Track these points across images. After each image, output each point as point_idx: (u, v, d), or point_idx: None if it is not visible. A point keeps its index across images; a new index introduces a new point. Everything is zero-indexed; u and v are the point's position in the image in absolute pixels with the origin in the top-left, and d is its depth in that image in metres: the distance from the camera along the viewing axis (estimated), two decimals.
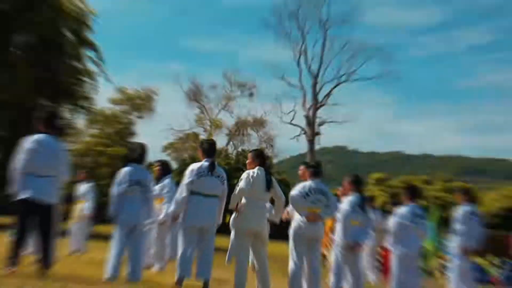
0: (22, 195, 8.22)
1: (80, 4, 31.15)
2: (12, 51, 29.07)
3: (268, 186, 9.33)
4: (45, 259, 8.39)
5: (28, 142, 8.35)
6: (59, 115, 9.21)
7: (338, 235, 10.01)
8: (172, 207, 9.35)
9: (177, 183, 9.88)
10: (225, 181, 9.47)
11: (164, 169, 12.67)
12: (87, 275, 9.21)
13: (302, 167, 10.60)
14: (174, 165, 57.70)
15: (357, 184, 10.27)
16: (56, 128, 8.90)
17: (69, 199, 17.26)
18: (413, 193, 10.97)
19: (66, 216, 18.39)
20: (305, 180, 9.85)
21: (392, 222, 10.65)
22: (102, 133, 54.39)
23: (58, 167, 8.59)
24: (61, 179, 8.78)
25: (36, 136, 8.41)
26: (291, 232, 9.64)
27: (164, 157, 64.83)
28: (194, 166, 9.37)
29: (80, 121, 37.57)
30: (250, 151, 10.16)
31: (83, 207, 15.84)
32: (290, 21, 58.23)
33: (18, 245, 8.27)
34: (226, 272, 10.84)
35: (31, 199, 8.21)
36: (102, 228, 24.30)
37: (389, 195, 49.81)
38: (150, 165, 10.20)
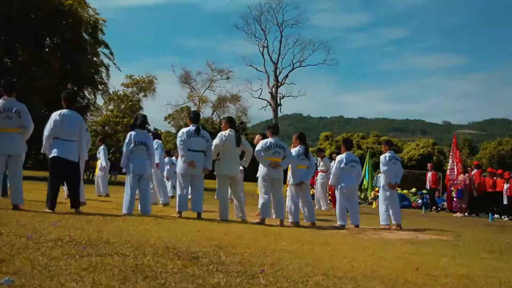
0: (52, 154, 8.25)
1: (95, 15, 32.33)
2: (46, 51, 29.22)
3: (238, 143, 9.57)
4: (75, 201, 8.44)
5: (55, 115, 8.34)
6: (76, 95, 9.24)
7: (290, 177, 10.21)
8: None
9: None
10: (209, 140, 9.57)
11: (154, 136, 12.82)
12: (110, 212, 9.23)
13: (257, 136, 10.95)
14: (173, 130, 58.41)
15: (302, 139, 10.51)
16: (75, 104, 8.92)
17: (93, 157, 17.38)
18: (348, 145, 11.25)
19: (92, 169, 18.54)
20: None
21: (334, 166, 10.79)
22: (117, 109, 54.94)
23: (78, 134, 8.56)
24: (81, 143, 8.75)
25: (60, 111, 8.39)
26: (259, 175, 9.77)
27: (166, 125, 66.24)
28: (184, 130, 9.55)
29: (99, 100, 38.28)
30: (223, 118, 10.36)
31: (101, 163, 16.02)
32: (255, 24, 60.86)
33: (53, 191, 8.30)
34: (214, 206, 10.94)
35: (58, 157, 8.23)
36: (121, 177, 24.27)
37: (335, 147, 50.32)
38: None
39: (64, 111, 8.39)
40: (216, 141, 9.57)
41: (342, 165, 10.51)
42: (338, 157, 10.81)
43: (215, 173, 9.74)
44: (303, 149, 10.15)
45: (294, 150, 10.15)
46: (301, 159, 10.04)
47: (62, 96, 8.70)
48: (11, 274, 3.36)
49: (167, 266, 4.12)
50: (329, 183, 11.35)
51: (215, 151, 9.59)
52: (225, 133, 9.55)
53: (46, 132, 8.30)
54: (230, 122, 9.85)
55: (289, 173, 10.27)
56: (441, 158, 52.45)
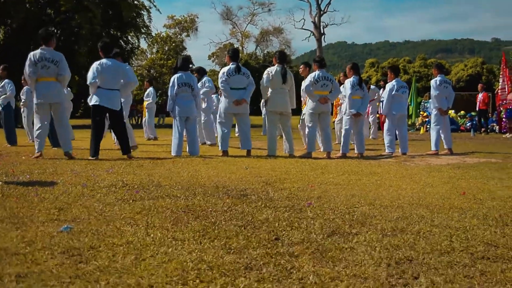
0: (93, 102, 8.35)
1: None
2: None
3: (284, 79, 9.43)
4: (124, 147, 8.54)
5: (95, 65, 8.37)
6: (112, 44, 9.17)
7: (345, 108, 10.13)
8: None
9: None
10: (249, 76, 9.52)
11: (200, 72, 12.63)
12: (160, 155, 9.45)
13: (302, 66, 10.89)
14: (217, 68, 58.67)
15: (355, 69, 10.35)
16: (112, 53, 8.76)
17: (140, 101, 17.47)
18: (395, 71, 11.15)
19: (140, 114, 18.71)
20: (305, 75, 10.15)
21: (385, 94, 10.75)
22: (161, 51, 55.28)
23: (119, 82, 8.57)
24: (124, 91, 8.85)
25: (100, 61, 8.39)
26: (307, 109, 9.74)
27: (210, 63, 66.74)
28: (224, 69, 9.48)
29: (143, 44, 38.53)
30: (275, 53, 10.24)
31: (148, 105, 15.79)
32: None
33: (95, 139, 8.38)
34: (261, 142, 11.04)
35: (98, 105, 8.31)
36: (168, 120, 24.49)
37: (381, 74, 49.48)
38: (191, 72, 10.21)
39: (103, 60, 8.40)
40: (263, 79, 9.56)
41: (393, 93, 10.54)
42: (389, 85, 10.78)
43: (263, 109, 9.72)
44: (357, 79, 10.01)
45: (348, 81, 10.07)
46: (356, 90, 9.92)
47: (98, 46, 8.67)
48: (70, 222, 3.54)
49: (217, 205, 4.26)
50: (381, 112, 11.22)
51: (264, 91, 9.60)
52: (272, 69, 9.50)
53: (88, 82, 8.39)
54: (279, 57, 9.66)
55: (344, 104, 10.23)
56: (491, 77, 51.01)
